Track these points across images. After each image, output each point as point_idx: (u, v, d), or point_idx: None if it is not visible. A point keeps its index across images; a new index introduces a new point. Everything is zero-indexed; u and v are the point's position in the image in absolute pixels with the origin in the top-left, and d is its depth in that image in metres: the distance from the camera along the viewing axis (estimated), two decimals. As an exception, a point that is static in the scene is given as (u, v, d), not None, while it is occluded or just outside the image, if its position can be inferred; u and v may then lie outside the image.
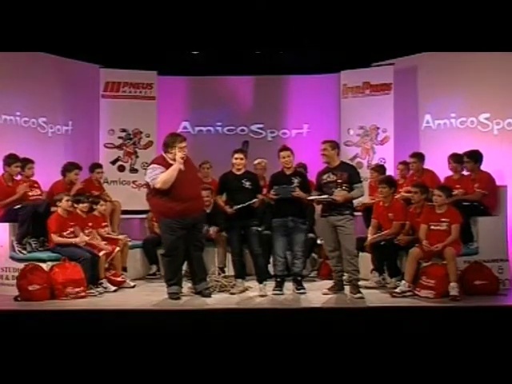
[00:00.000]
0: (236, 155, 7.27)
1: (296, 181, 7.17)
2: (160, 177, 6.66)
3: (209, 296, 7.02)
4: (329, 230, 7.04)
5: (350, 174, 6.99)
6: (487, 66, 8.31)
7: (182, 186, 6.67)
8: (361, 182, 7.16)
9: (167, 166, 6.76)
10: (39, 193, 7.88)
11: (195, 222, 6.91)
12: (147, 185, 6.94)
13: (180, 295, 6.92)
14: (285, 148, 7.40)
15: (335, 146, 7.15)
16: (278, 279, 7.20)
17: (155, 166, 6.81)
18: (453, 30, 7.25)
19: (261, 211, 7.53)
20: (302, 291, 7.19)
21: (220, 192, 7.41)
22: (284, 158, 7.25)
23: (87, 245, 7.42)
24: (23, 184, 7.62)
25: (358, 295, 6.87)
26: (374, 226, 7.68)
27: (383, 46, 8.55)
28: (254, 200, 7.17)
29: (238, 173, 7.26)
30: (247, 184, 7.21)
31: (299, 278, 7.28)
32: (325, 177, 7.05)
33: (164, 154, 6.90)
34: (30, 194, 7.70)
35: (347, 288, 7.08)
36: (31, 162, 7.80)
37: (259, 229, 7.39)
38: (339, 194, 6.85)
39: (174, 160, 6.74)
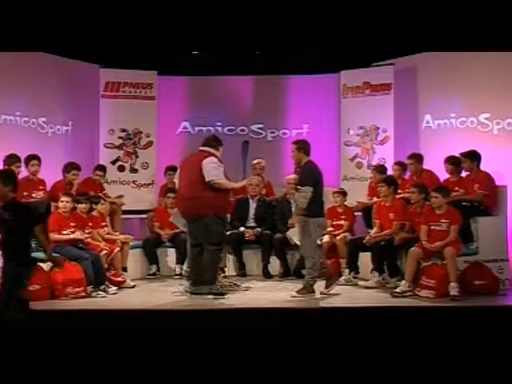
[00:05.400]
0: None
1: None
2: (222, 181, 6.88)
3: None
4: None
5: (300, 176, 7.05)
6: (487, 66, 8.29)
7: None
8: (308, 185, 6.77)
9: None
10: (42, 195, 7.85)
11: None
12: (202, 177, 6.85)
13: None
14: None
15: (301, 146, 7.05)
16: None
17: (219, 163, 6.94)
18: (453, 29, 7.26)
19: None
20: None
21: None
22: None
23: (87, 245, 7.43)
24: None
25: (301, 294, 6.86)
26: (377, 227, 7.67)
27: (383, 46, 8.56)
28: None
29: None
30: None
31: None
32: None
33: (213, 150, 7.03)
34: (34, 195, 7.68)
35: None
36: (35, 158, 7.78)
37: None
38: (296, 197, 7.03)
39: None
